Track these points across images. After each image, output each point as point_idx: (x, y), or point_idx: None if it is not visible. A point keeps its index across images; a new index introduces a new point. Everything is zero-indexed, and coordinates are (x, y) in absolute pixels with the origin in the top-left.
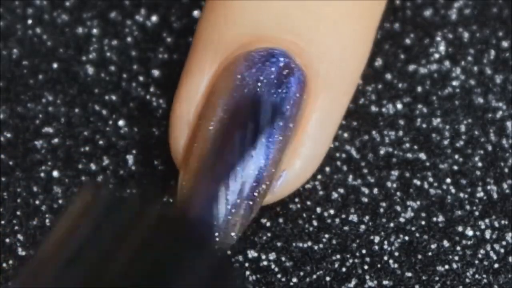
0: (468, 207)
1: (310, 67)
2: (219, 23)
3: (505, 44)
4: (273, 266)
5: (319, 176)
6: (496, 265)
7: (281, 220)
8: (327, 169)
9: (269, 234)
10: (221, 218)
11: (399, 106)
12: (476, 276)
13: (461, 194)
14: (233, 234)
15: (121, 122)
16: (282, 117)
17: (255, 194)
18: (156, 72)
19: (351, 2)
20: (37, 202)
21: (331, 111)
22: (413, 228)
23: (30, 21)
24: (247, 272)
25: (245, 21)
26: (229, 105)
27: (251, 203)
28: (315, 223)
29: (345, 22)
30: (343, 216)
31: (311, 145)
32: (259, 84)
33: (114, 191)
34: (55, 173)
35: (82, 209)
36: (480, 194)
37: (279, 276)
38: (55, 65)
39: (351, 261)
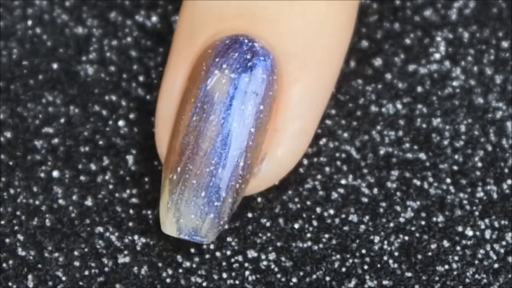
0: (468, 207)
1: (277, 48)
2: (188, 21)
3: (505, 44)
4: (273, 266)
5: (319, 176)
6: (496, 265)
7: (281, 220)
8: (327, 169)
9: (269, 234)
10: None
11: (399, 106)
12: (476, 276)
13: (461, 194)
14: (221, 222)
15: (121, 122)
16: (250, 99)
17: (232, 176)
18: (156, 72)
19: None
20: (37, 202)
21: (312, 87)
22: (413, 228)
23: (30, 21)
24: (247, 272)
25: (209, 11)
26: (198, 98)
27: (228, 185)
28: (315, 223)
29: None
30: (343, 216)
31: (292, 126)
32: (224, 71)
33: None
34: (55, 173)
35: None
36: (480, 194)
37: (279, 276)
38: (55, 65)
39: (351, 261)
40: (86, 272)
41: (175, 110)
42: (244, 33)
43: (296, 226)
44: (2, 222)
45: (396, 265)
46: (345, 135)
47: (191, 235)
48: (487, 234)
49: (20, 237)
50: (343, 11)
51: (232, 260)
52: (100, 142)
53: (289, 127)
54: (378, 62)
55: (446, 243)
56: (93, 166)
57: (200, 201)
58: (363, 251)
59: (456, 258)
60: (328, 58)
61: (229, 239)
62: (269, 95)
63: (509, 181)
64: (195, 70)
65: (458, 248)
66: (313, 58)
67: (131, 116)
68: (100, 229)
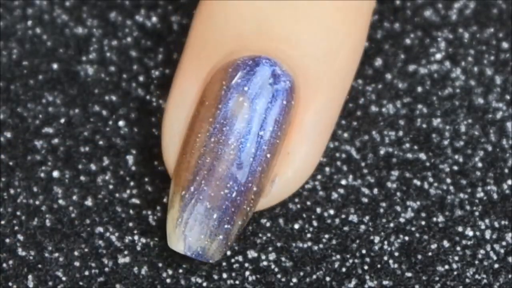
0: (468, 207)
1: (297, 71)
2: (203, 29)
3: (505, 45)
4: (273, 266)
5: (319, 176)
6: (496, 265)
7: (281, 220)
8: (327, 169)
9: (269, 234)
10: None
11: (399, 106)
12: (476, 276)
13: (461, 195)
14: (229, 243)
15: (121, 122)
16: (269, 124)
17: (245, 200)
18: (156, 72)
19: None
20: (37, 202)
21: (325, 112)
22: (413, 228)
23: (30, 21)
24: (247, 272)
25: (228, 28)
26: (217, 119)
27: (237, 212)
28: (315, 223)
29: (329, 21)
30: (343, 216)
31: (306, 148)
32: (246, 95)
33: None
34: (55, 173)
35: None
36: (480, 194)
37: (279, 276)
38: (55, 65)
39: (351, 261)
40: (86, 272)
41: (186, 123)
42: (265, 55)
43: (296, 226)
44: (2, 222)
45: (396, 265)
46: (345, 135)
47: (197, 254)
48: (487, 234)
49: (20, 237)
50: (358, 33)
51: (232, 260)
52: (100, 142)
53: (301, 150)
54: (378, 62)
55: (446, 243)
56: (93, 166)
57: (211, 223)
58: (363, 251)
59: (456, 258)
60: (341, 81)
61: None
62: (286, 121)
63: (509, 181)
64: (212, 87)
65: (458, 248)
66: (328, 82)
67: (131, 116)
68: (100, 229)
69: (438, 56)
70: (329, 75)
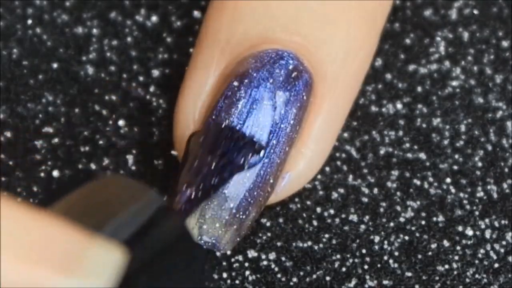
0: (468, 207)
1: (317, 69)
2: (227, 22)
3: (505, 44)
4: (273, 266)
5: (319, 176)
6: (496, 265)
7: (281, 220)
8: (327, 169)
9: (269, 234)
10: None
11: (399, 106)
12: (476, 275)
13: (461, 194)
14: (241, 234)
15: (121, 122)
16: (290, 117)
17: (261, 191)
18: (156, 72)
19: (358, 5)
20: (37, 202)
21: (336, 112)
22: (413, 228)
23: (30, 21)
24: (247, 272)
25: (255, 22)
26: (236, 108)
27: (253, 203)
28: (315, 223)
29: (351, 25)
30: (343, 216)
31: (315, 146)
32: (267, 86)
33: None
34: (55, 173)
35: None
36: (480, 194)
37: (279, 276)
38: (55, 65)
39: (351, 261)
40: None
41: (201, 113)
42: (290, 50)
43: (296, 226)
44: None
45: (396, 265)
46: (345, 135)
47: (210, 243)
48: (487, 233)
49: None
50: (373, 39)
51: (232, 259)
52: (100, 142)
53: (312, 147)
54: (378, 62)
55: (446, 243)
56: (93, 166)
57: (227, 212)
58: (363, 251)
59: (456, 257)
60: (354, 83)
61: None
62: (304, 116)
63: (509, 181)
64: (233, 77)
65: (458, 247)
66: (343, 83)
67: (131, 116)
68: None
69: (438, 55)
70: (345, 77)
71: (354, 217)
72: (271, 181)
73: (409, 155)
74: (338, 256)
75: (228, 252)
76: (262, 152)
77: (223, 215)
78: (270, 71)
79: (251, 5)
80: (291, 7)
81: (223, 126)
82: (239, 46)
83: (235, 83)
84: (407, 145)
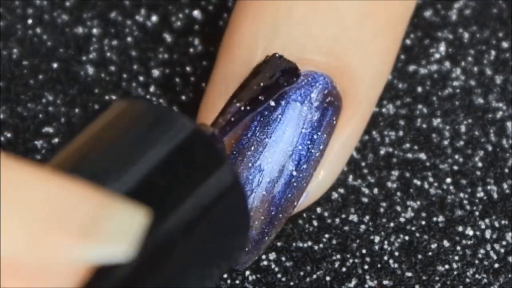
0: (468, 207)
1: (347, 92)
2: (266, 28)
3: (505, 44)
4: (273, 266)
5: None
6: (496, 265)
7: None
8: None
9: None
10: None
11: (399, 106)
12: (476, 276)
13: (461, 194)
14: (259, 252)
15: None
16: (319, 142)
17: (284, 216)
18: (156, 72)
19: (392, 29)
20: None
21: (353, 137)
22: (413, 228)
23: (30, 21)
24: (247, 272)
25: (293, 38)
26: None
27: (277, 225)
28: (315, 223)
29: (384, 50)
30: (343, 216)
31: (329, 168)
32: (303, 104)
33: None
34: None
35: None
36: (480, 194)
37: (279, 276)
38: (55, 65)
39: (351, 261)
40: None
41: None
42: (327, 75)
43: (296, 226)
44: None
45: (396, 265)
46: None
47: None
48: (487, 234)
49: None
50: (393, 62)
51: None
52: None
53: (326, 169)
54: None
55: (446, 243)
56: None
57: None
58: (364, 251)
59: (457, 258)
60: (374, 100)
61: None
62: (330, 138)
63: (509, 181)
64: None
65: (458, 248)
66: (367, 105)
67: None
68: None
69: (438, 56)
70: (370, 97)
71: (354, 217)
72: (295, 203)
73: (409, 155)
74: (338, 256)
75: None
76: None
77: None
78: (308, 91)
79: (290, 25)
80: (330, 28)
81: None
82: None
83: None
84: (407, 145)
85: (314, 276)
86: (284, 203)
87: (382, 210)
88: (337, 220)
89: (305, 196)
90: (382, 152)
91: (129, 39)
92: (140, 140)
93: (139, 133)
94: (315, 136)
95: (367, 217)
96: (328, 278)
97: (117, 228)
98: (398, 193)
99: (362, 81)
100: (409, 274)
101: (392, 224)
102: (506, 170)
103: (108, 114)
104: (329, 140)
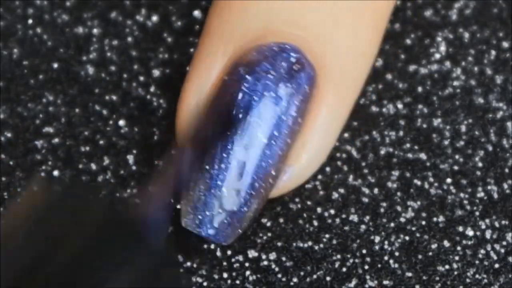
0: (468, 207)
1: (320, 64)
2: (230, 16)
3: (505, 44)
4: (273, 266)
5: (319, 176)
6: (496, 265)
7: (281, 220)
8: (328, 169)
9: (269, 234)
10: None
11: (400, 106)
12: (477, 276)
13: (462, 194)
14: (242, 226)
15: (121, 122)
16: (292, 109)
17: (261, 186)
18: (156, 72)
19: (365, 5)
20: None
21: (339, 107)
22: (414, 228)
23: (30, 21)
24: (248, 272)
25: (258, 16)
26: (237, 100)
27: (255, 195)
28: (315, 223)
29: (355, 21)
30: (344, 216)
31: (318, 140)
32: (269, 77)
33: (66, 185)
34: (55, 173)
35: (30, 200)
36: (481, 194)
37: (279, 276)
38: (55, 65)
39: (351, 261)
40: None
41: (204, 105)
42: (293, 44)
43: (297, 226)
44: (2, 221)
45: (396, 265)
46: (346, 135)
47: (213, 236)
48: (488, 234)
49: None
50: (377, 37)
51: (233, 260)
52: (101, 142)
53: (315, 143)
54: (378, 62)
55: (446, 243)
56: (93, 166)
57: None
58: (364, 251)
59: (457, 258)
60: (358, 80)
61: None
62: (306, 109)
63: (509, 181)
64: (235, 69)
65: (458, 248)
66: (346, 79)
67: (131, 116)
68: None
69: (438, 56)
70: (349, 73)
71: (354, 217)
72: (273, 173)
73: (410, 155)
74: (339, 256)
75: (229, 252)
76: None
77: None
78: (272, 63)
79: (256, 3)
80: (295, 2)
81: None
82: (242, 39)
83: (237, 75)
84: (408, 145)
85: (314, 276)
86: (259, 171)
87: (382, 210)
88: (338, 220)
89: (287, 174)
90: (382, 152)
91: (129, 39)
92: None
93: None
94: (284, 104)
95: (368, 217)
96: (328, 278)
97: None
98: (399, 193)
99: (334, 53)
100: (409, 274)
101: (392, 224)
102: (507, 170)
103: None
104: (305, 108)
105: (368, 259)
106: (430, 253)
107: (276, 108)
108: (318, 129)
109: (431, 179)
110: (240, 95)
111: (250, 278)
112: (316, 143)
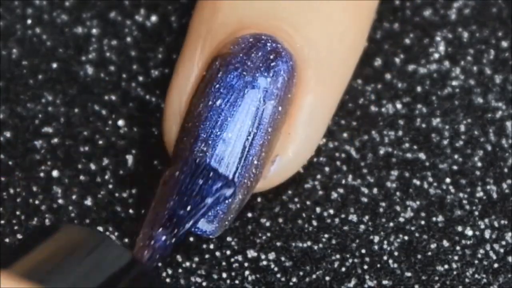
0: (467, 207)
1: (300, 53)
2: (207, 15)
3: (504, 44)
4: (272, 266)
5: (318, 176)
6: (495, 265)
7: (280, 220)
8: (327, 169)
9: (268, 234)
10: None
11: (399, 106)
12: (476, 276)
13: (461, 194)
14: (229, 218)
15: (120, 122)
16: (271, 98)
17: (244, 176)
18: (156, 72)
19: None
20: (36, 202)
21: (325, 96)
22: (413, 228)
23: (30, 21)
24: (247, 272)
25: (232, 10)
26: (215, 91)
27: (239, 186)
28: (314, 223)
29: (335, 9)
30: (343, 216)
31: (303, 130)
32: (246, 68)
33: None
34: (55, 173)
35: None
36: (480, 194)
37: (278, 276)
38: (55, 65)
39: (350, 261)
40: None
41: (187, 103)
42: (268, 34)
43: (296, 226)
44: (2, 221)
45: (396, 265)
46: (345, 135)
47: (198, 228)
48: (487, 234)
49: (20, 237)
50: (359, 26)
51: (232, 260)
52: (100, 142)
53: (300, 132)
54: (378, 62)
55: (445, 243)
56: (93, 166)
57: None
58: (363, 251)
59: (456, 258)
60: (342, 70)
61: (228, 238)
62: (287, 98)
63: (508, 181)
64: (213, 64)
65: (457, 248)
66: (330, 69)
67: (131, 116)
68: (99, 229)
69: (438, 55)
70: (330, 63)
71: (353, 217)
72: (256, 162)
73: (409, 155)
74: (338, 256)
75: (228, 252)
76: (231, 190)
77: None
78: (248, 54)
79: None
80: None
81: (195, 163)
82: (219, 35)
83: (213, 70)
84: (407, 145)
85: (314, 276)
86: (242, 162)
87: (381, 210)
88: (337, 220)
89: (274, 165)
90: (381, 152)
91: (128, 39)
92: (81, 268)
93: (79, 261)
94: (262, 93)
95: (367, 217)
96: (327, 278)
97: None
98: (398, 193)
99: (312, 41)
100: (408, 274)
101: (391, 224)
102: (506, 170)
103: (56, 238)
104: (285, 97)
105: (367, 259)
106: (429, 253)
107: (253, 98)
108: (303, 118)
109: (430, 179)
110: (218, 91)
111: (249, 278)
112: (302, 132)
